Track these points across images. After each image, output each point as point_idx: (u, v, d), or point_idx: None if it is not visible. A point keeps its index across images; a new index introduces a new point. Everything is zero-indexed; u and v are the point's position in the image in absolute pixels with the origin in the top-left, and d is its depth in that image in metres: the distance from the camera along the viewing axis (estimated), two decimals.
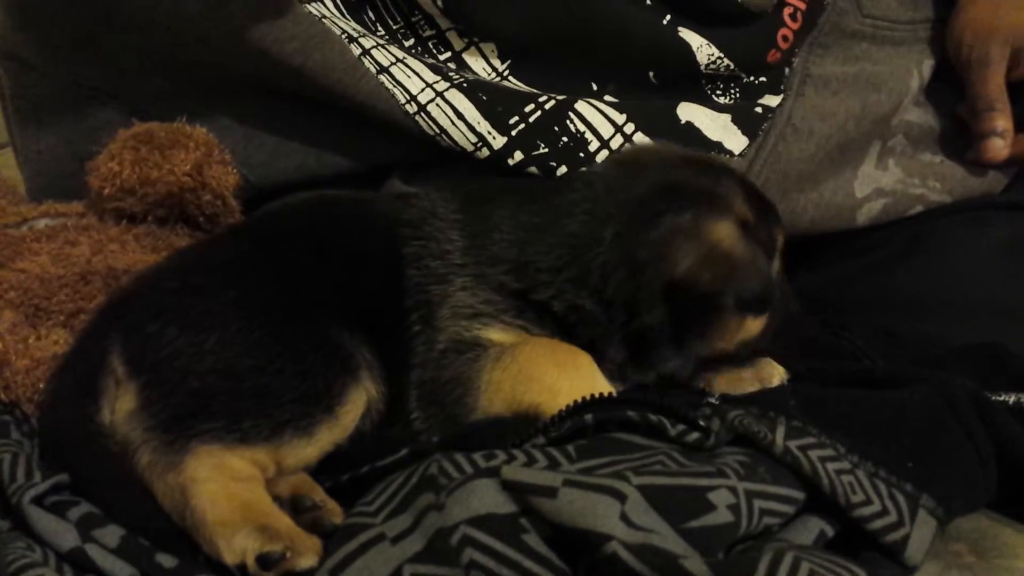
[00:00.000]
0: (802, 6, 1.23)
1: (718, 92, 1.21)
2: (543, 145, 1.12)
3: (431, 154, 1.15)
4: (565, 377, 0.90)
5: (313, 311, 0.91)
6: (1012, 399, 0.95)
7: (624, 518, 0.68)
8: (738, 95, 1.22)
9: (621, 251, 0.93)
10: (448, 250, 0.99)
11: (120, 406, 0.86)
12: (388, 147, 1.18)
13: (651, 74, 1.19)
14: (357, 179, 1.22)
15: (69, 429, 0.87)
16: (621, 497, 0.69)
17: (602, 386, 0.90)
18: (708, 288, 0.91)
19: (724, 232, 0.93)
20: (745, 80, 1.22)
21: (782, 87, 1.23)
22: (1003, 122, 1.28)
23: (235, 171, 1.15)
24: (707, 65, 1.18)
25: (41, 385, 0.98)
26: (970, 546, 0.87)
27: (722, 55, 1.18)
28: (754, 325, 0.98)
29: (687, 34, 1.17)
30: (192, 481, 0.80)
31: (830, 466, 0.79)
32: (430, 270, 0.98)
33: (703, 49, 1.17)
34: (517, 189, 1.05)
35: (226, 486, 0.80)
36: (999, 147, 1.28)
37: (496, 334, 0.95)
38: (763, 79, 1.23)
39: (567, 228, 0.96)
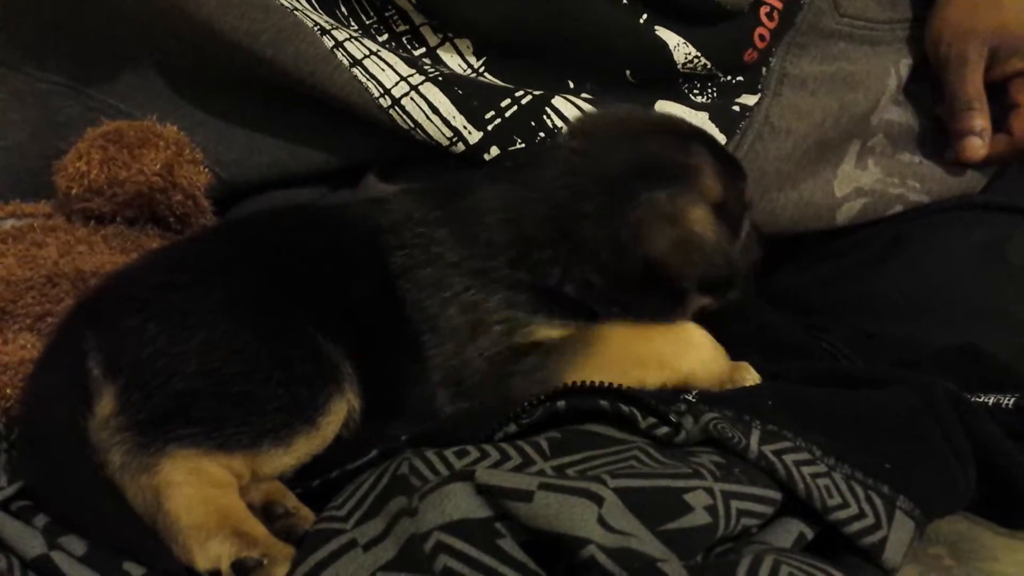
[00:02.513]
0: (779, 5, 1.23)
1: (695, 92, 1.21)
2: (520, 141, 1.11)
3: (407, 149, 1.14)
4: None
5: (300, 319, 0.90)
6: (991, 400, 0.95)
7: (601, 521, 0.67)
8: (715, 94, 1.22)
9: (603, 228, 0.93)
10: (438, 252, 0.96)
11: (99, 410, 0.84)
12: (363, 142, 1.17)
13: (628, 72, 1.18)
14: (332, 177, 1.21)
15: (57, 434, 0.84)
16: (598, 500, 0.68)
17: None
18: (675, 273, 0.94)
19: (698, 215, 0.94)
20: (722, 79, 1.22)
21: (759, 87, 1.23)
22: (981, 121, 1.28)
23: (206, 170, 1.13)
24: (684, 64, 1.17)
25: (8, 391, 0.96)
26: (949, 549, 0.87)
27: (699, 54, 1.17)
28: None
29: (664, 33, 1.16)
30: (167, 484, 0.78)
31: (806, 470, 0.78)
32: (422, 279, 0.95)
33: (680, 48, 1.16)
34: (490, 173, 1.05)
35: (202, 491, 0.79)
36: (977, 146, 1.28)
37: (546, 331, 0.93)
38: (740, 79, 1.22)
39: (552, 201, 0.96)
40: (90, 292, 0.96)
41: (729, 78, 1.22)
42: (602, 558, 0.65)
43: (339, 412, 0.88)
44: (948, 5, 1.29)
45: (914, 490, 0.80)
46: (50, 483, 0.82)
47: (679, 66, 1.17)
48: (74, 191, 1.08)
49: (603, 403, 0.82)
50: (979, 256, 1.23)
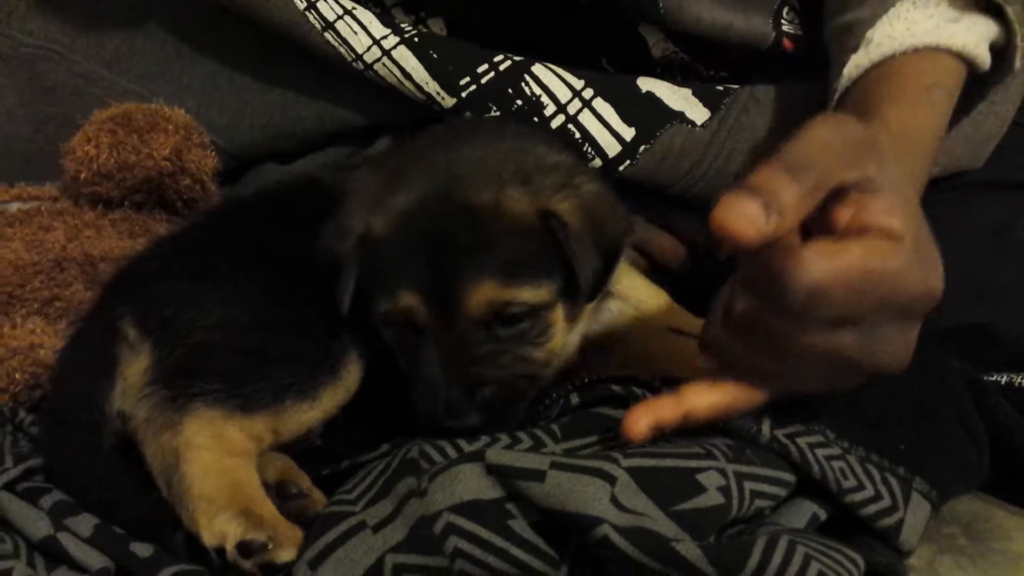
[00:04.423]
0: None
1: (676, 81, 1.19)
2: (495, 108, 1.10)
3: (398, 108, 1.13)
4: None
5: (312, 272, 0.89)
6: (1004, 379, 0.94)
7: (614, 501, 0.67)
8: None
9: None
10: None
11: (134, 369, 0.85)
12: (352, 99, 1.16)
13: (604, 60, 1.17)
14: (328, 142, 1.21)
15: (75, 410, 0.84)
16: (611, 479, 0.68)
17: None
18: None
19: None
20: (704, 73, 1.20)
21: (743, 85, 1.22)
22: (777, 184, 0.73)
23: (214, 154, 1.13)
24: (660, 58, 1.16)
25: (17, 375, 0.95)
26: (963, 529, 0.86)
27: (676, 49, 1.16)
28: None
29: (646, 29, 1.15)
30: (187, 447, 0.79)
31: (820, 452, 0.77)
32: None
33: (659, 45, 1.15)
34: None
35: (220, 459, 0.79)
36: (751, 213, 0.71)
37: None
38: (724, 74, 1.21)
39: None
40: (116, 274, 0.97)
41: (712, 72, 1.20)
42: (615, 538, 0.65)
43: (360, 361, 0.88)
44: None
45: (930, 471, 0.79)
46: (64, 459, 0.83)
47: (655, 60, 1.16)
48: (83, 175, 1.08)
49: (616, 388, 0.82)
50: (987, 236, 1.21)
